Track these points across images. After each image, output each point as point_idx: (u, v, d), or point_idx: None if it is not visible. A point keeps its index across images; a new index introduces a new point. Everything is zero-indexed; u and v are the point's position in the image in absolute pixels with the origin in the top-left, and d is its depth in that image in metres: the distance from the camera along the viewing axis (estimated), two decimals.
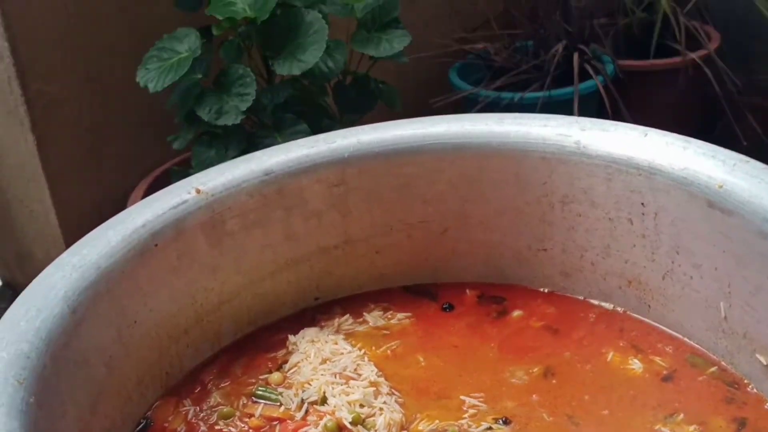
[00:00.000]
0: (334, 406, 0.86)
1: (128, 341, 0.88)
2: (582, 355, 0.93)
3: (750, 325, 0.85)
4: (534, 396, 0.89)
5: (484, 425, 0.85)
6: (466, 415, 0.87)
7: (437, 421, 0.86)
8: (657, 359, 0.91)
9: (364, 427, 0.84)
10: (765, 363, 0.84)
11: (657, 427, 0.83)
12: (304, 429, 0.85)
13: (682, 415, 0.84)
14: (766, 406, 0.84)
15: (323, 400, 0.87)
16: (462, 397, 0.89)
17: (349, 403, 0.86)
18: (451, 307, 1.02)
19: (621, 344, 0.94)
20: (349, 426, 0.84)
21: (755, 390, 0.86)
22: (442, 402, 0.89)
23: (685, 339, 0.93)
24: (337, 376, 0.89)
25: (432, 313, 1.02)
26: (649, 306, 0.95)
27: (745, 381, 0.87)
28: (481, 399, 0.89)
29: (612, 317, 0.98)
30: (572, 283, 1.01)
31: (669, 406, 0.86)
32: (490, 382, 0.91)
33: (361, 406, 0.86)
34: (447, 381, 0.92)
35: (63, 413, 0.77)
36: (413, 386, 0.91)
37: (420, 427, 0.86)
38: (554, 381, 0.90)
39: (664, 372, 0.90)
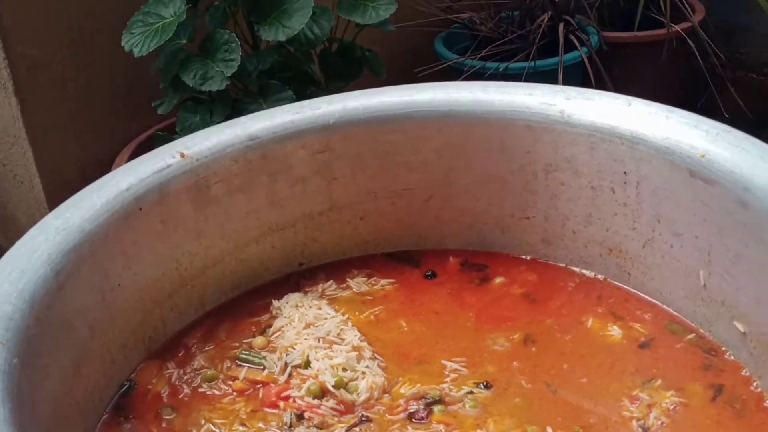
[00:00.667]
0: (318, 370, 0.86)
1: (112, 304, 0.88)
2: (562, 324, 0.94)
3: (729, 293, 0.86)
4: (515, 363, 0.90)
5: (465, 389, 0.86)
6: (447, 380, 0.88)
7: (419, 385, 0.87)
8: (636, 326, 0.92)
9: (347, 390, 0.85)
10: (743, 330, 0.85)
11: (635, 393, 0.85)
12: (288, 392, 0.86)
13: (659, 381, 0.86)
14: (743, 373, 0.86)
15: (307, 364, 0.87)
16: (443, 362, 0.90)
17: (332, 366, 0.87)
18: (434, 275, 1.02)
19: (600, 311, 0.95)
20: (332, 389, 0.85)
21: (732, 357, 0.87)
22: (424, 367, 0.90)
23: (664, 306, 0.94)
24: (321, 340, 0.90)
25: (415, 279, 1.02)
26: (629, 274, 0.97)
27: (723, 348, 0.88)
28: (462, 364, 0.90)
29: (592, 285, 0.99)
30: (554, 251, 1.02)
31: (647, 372, 0.87)
32: (472, 348, 0.92)
33: (344, 370, 0.87)
34: (429, 346, 0.93)
35: (46, 375, 0.77)
36: (395, 351, 0.92)
37: (402, 391, 0.87)
38: (534, 349, 0.92)
39: (642, 339, 0.91)
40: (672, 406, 0.83)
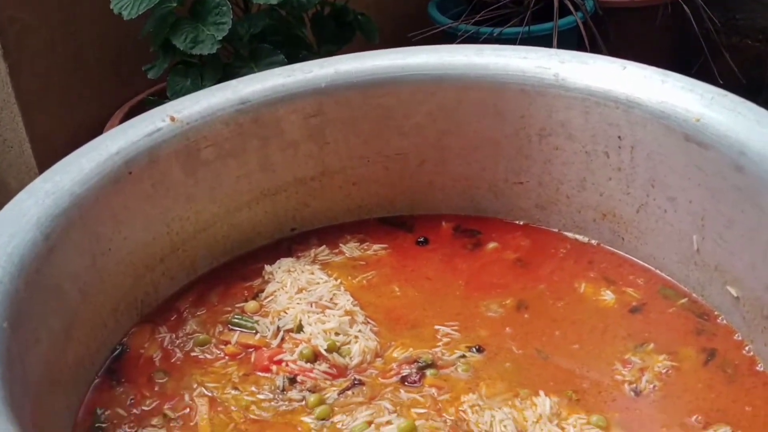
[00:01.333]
0: (310, 334, 0.86)
1: (102, 268, 0.87)
2: (554, 289, 0.94)
3: (722, 257, 0.86)
4: (507, 329, 0.90)
5: (458, 353, 0.86)
6: (440, 344, 0.88)
7: (411, 349, 0.87)
8: (629, 290, 0.92)
9: (340, 354, 0.85)
10: (735, 295, 0.85)
11: (627, 357, 0.85)
12: (280, 356, 0.86)
13: (652, 345, 0.86)
14: (735, 338, 0.86)
15: (299, 328, 0.87)
16: (436, 327, 0.90)
17: (324, 331, 0.86)
18: (426, 241, 1.02)
19: (592, 276, 0.95)
20: (324, 353, 0.85)
21: (725, 321, 0.87)
22: (417, 331, 0.90)
23: (657, 271, 0.94)
24: (313, 305, 0.90)
25: (407, 245, 1.02)
26: (623, 239, 0.96)
27: (716, 313, 0.88)
28: (454, 328, 0.90)
29: (585, 250, 0.99)
30: (547, 216, 1.01)
31: (639, 336, 0.87)
32: (464, 314, 0.92)
33: (337, 334, 0.87)
34: (421, 311, 0.92)
35: (37, 339, 0.77)
36: (388, 315, 0.92)
37: (394, 355, 0.87)
38: (527, 315, 0.91)
39: (635, 303, 0.91)
40: (664, 370, 0.83)
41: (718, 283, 0.88)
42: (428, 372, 0.84)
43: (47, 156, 1.68)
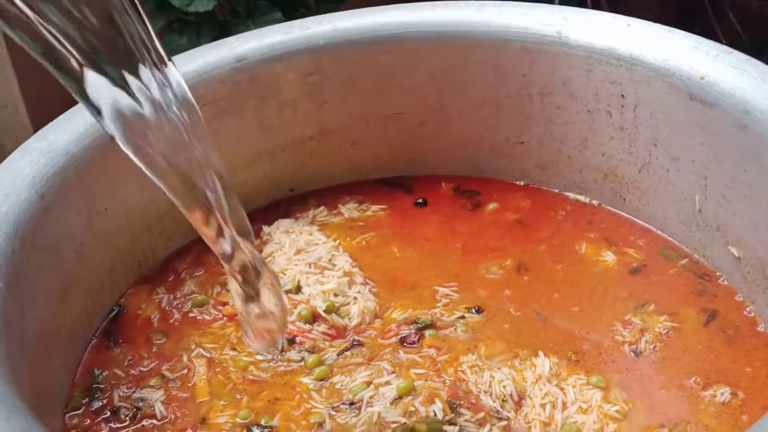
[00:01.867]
0: (309, 295, 0.86)
1: (99, 229, 0.87)
2: (554, 251, 0.93)
3: (724, 217, 0.86)
4: (506, 291, 0.89)
5: (457, 314, 0.86)
6: (438, 305, 0.87)
7: (410, 310, 0.86)
8: (630, 251, 0.92)
9: (339, 315, 0.85)
10: (737, 255, 0.85)
11: (627, 318, 0.84)
12: None
13: (652, 306, 0.85)
14: (736, 298, 0.86)
15: (298, 289, 0.87)
16: (435, 288, 0.89)
17: (323, 292, 0.86)
18: (425, 203, 1.01)
19: (593, 236, 0.94)
20: (323, 314, 0.84)
21: (726, 282, 0.87)
22: (416, 292, 0.89)
23: (659, 232, 0.93)
24: (312, 266, 0.89)
25: (407, 206, 1.01)
26: (624, 199, 0.95)
27: (717, 273, 0.88)
28: (454, 290, 0.89)
29: (585, 210, 0.98)
30: (548, 177, 1.00)
31: (640, 297, 0.87)
32: (463, 275, 0.91)
33: (335, 295, 0.86)
34: (420, 272, 0.92)
35: (33, 299, 0.76)
36: (387, 276, 0.91)
37: (393, 316, 0.86)
38: (526, 277, 0.91)
39: (636, 264, 0.90)
40: (665, 331, 0.83)
41: (719, 244, 0.87)
42: (427, 333, 0.83)
43: (42, 116, 1.66)
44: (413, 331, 0.84)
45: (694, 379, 0.78)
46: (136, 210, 0.91)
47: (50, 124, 0.85)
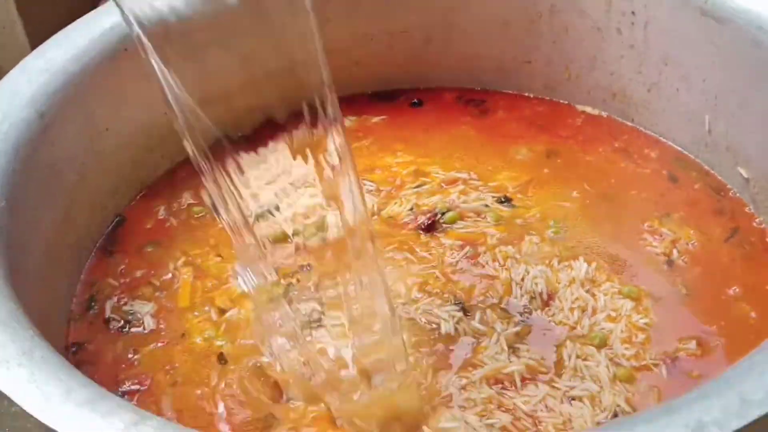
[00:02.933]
0: (306, 209, 0.85)
1: (100, 150, 0.86)
2: (583, 146, 0.92)
3: (734, 138, 0.84)
4: (528, 177, 0.88)
5: (480, 203, 0.85)
6: (455, 191, 0.87)
7: (413, 201, 0.86)
8: (647, 161, 0.90)
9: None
10: (746, 176, 0.84)
11: (656, 226, 0.83)
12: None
13: (678, 215, 0.84)
14: (746, 210, 0.84)
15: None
16: (454, 174, 0.89)
17: (318, 204, 0.85)
18: (420, 102, 0.99)
19: (616, 145, 0.92)
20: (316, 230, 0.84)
21: (738, 195, 0.86)
22: (424, 185, 0.88)
23: (669, 142, 0.92)
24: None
25: (407, 110, 0.99)
26: (633, 119, 0.94)
27: (728, 187, 0.87)
28: (474, 180, 0.88)
29: (599, 121, 0.96)
30: (556, 97, 0.99)
31: (665, 205, 0.85)
32: (481, 165, 0.90)
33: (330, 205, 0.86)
34: (428, 165, 0.91)
35: (35, 218, 0.75)
36: (391, 175, 0.90)
37: (397, 208, 0.85)
38: (559, 160, 0.90)
39: (653, 172, 0.89)
40: (692, 243, 0.81)
41: (728, 165, 0.86)
42: (445, 220, 0.83)
43: (40, 36, 1.63)
44: (429, 219, 0.83)
45: (730, 290, 0.77)
46: (138, 131, 0.90)
47: (48, 42, 0.84)
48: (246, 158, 0.92)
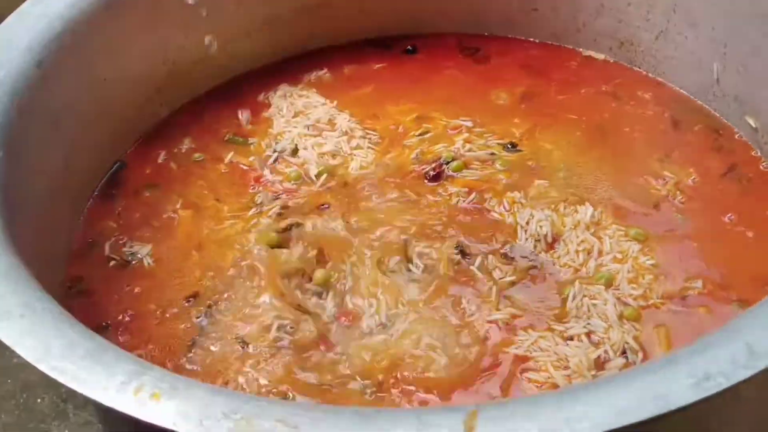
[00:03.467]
0: (304, 159, 0.84)
1: (99, 99, 0.84)
2: (568, 91, 0.91)
3: (742, 87, 0.83)
4: (533, 126, 0.87)
5: (487, 151, 0.84)
6: (459, 139, 0.86)
7: (418, 150, 0.85)
8: (646, 105, 0.89)
9: (336, 174, 0.83)
10: (754, 126, 0.83)
11: (656, 169, 0.82)
12: (269, 176, 0.84)
13: (676, 157, 0.83)
14: (752, 154, 0.83)
15: (295, 152, 0.85)
16: (455, 121, 0.88)
17: (319, 155, 0.84)
18: (414, 50, 0.98)
19: (604, 88, 0.91)
20: (313, 179, 0.83)
21: (743, 138, 0.85)
22: (428, 133, 0.87)
23: (670, 84, 0.90)
24: (310, 128, 0.87)
25: (407, 58, 0.98)
26: (639, 68, 0.93)
27: (735, 129, 0.85)
28: (477, 127, 0.87)
29: (599, 64, 0.95)
30: (561, 43, 0.97)
31: (663, 147, 0.84)
32: (481, 111, 0.89)
33: (333, 156, 0.85)
34: (432, 111, 0.90)
35: (35, 168, 0.74)
36: (393, 123, 0.89)
37: (402, 156, 0.85)
38: (548, 115, 0.89)
39: (654, 115, 0.88)
40: (691, 182, 0.80)
41: (736, 114, 0.85)
42: (451, 169, 0.82)
43: None
44: (435, 168, 0.82)
45: (728, 220, 0.77)
46: (137, 79, 0.89)
47: None
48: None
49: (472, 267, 0.73)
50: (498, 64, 0.96)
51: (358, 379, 0.66)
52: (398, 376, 0.66)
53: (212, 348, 0.70)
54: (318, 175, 0.83)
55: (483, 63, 0.97)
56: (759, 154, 0.83)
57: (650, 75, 0.92)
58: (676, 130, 0.86)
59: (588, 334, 0.68)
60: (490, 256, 0.74)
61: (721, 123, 0.86)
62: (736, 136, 0.85)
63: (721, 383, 0.47)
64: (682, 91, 0.90)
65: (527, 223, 0.76)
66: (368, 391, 0.65)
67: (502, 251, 0.74)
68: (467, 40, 0.99)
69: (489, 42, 0.98)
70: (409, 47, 0.98)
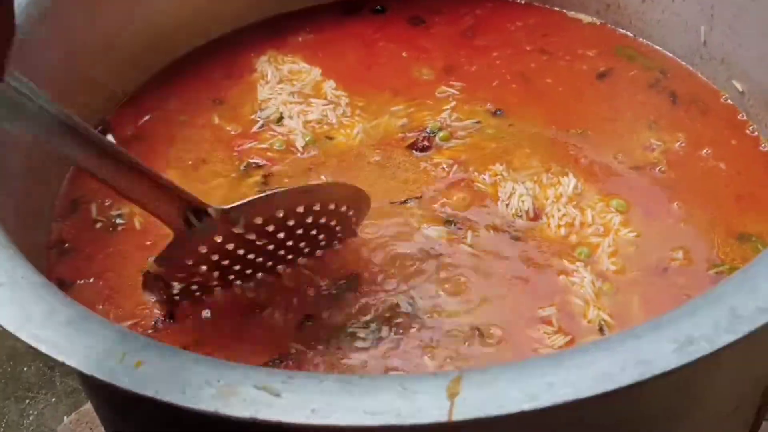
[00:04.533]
0: (289, 129, 0.84)
1: (78, 65, 0.83)
2: (552, 53, 0.91)
3: (729, 50, 0.82)
4: (518, 90, 0.87)
5: (472, 120, 0.84)
6: (447, 108, 0.85)
7: (405, 120, 0.84)
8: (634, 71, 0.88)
9: (321, 144, 0.83)
10: (741, 89, 0.82)
11: (644, 137, 0.81)
12: (253, 143, 0.83)
13: (664, 124, 0.82)
14: (738, 117, 0.83)
15: (279, 120, 0.84)
16: (443, 87, 0.87)
17: (305, 123, 0.84)
18: (383, 9, 0.98)
19: (591, 54, 0.91)
20: (300, 149, 0.82)
21: (729, 102, 0.84)
22: (415, 99, 0.86)
23: (657, 47, 0.90)
24: (296, 95, 0.86)
25: (396, 22, 0.97)
26: (626, 31, 0.92)
27: (721, 93, 0.85)
28: (462, 92, 0.87)
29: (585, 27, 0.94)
30: (549, 5, 0.96)
31: (652, 113, 0.84)
32: (472, 77, 0.88)
33: (319, 123, 0.84)
34: (415, 74, 0.89)
35: (14, 138, 0.73)
36: (384, 87, 0.88)
37: (386, 124, 0.84)
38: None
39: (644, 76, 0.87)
40: (680, 148, 0.80)
41: (723, 77, 0.84)
42: (438, 139, 0.82)
43: None
44: (423, 136, 0.82)
45: (713, 186, 0.76)
46: (118, 44, 0.87)
47: None
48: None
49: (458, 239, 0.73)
50: (486, 28, 0.95)
51: None
52: None
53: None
54: (305, 147, 0.82)
55: (476, 27, 0.96)
56: (745, 117, 0.82)
57: (638, 38, 0.91)
58: (664, 95, 0.85)
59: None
60: (472, 230, 0.73)
61: (708, 87, 0.85)
62: (722, 99, 0.84)
63: (704, 347, 0.47)
64: (669, 54, 0.89)
65: (509, 197, 0.75)
66: None
67: (486, 225, 0.74)
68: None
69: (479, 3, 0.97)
70: (378, 7, 0.97)
